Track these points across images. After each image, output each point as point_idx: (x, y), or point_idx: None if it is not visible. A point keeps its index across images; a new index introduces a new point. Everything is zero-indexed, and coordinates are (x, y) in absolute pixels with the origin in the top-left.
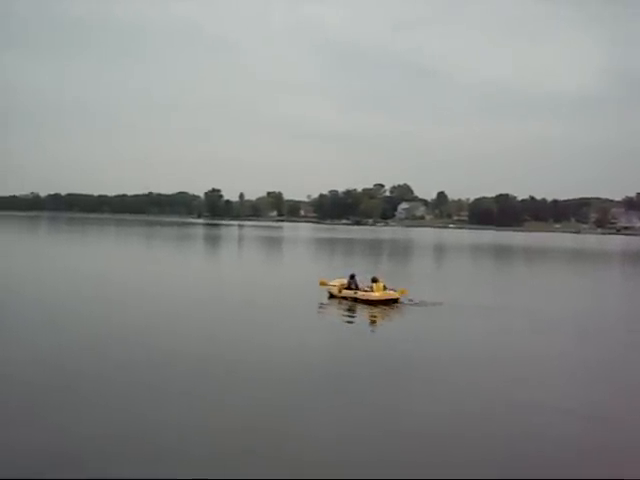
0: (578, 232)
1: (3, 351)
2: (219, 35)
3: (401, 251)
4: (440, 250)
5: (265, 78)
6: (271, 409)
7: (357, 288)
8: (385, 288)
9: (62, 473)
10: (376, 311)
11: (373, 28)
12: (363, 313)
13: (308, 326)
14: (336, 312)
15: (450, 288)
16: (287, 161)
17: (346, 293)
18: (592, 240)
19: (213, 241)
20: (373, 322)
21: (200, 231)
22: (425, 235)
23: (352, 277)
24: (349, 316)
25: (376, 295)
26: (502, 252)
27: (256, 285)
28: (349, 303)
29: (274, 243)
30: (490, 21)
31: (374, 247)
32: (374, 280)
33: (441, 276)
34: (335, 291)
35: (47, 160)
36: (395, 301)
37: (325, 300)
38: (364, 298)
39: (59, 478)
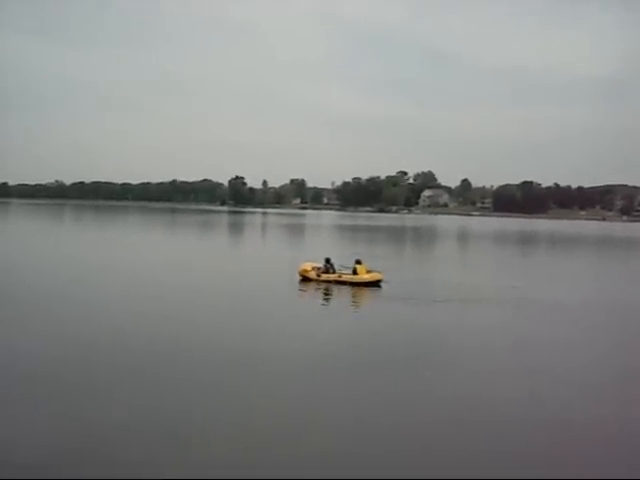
0: (603, 219)
1: (20, 340)
2: (241, 21)
3: (427, 239)
4: (466, 238)
5: (289, 64)
6: (287, 398)
7: (334, 271)
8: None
9: (76, 468)
10: (374, 295)
11: (396, 12)
12: (360, 297)
13: (316, 313)
14: (337, 297)
15: (483, 278)
16: (310, 148)
17: (327, 276)
18: (618, 227)
19: (238, 229)
20: (373, 307)
21: (225, 219)
22: (449, 223)
23: (328, 261)
24: (350, 302)
25: (366, 277)
26: (530, 240)
27: (270, 273)
28: (334, 286)
29: (297, 230)
30: (515, 6)
31: (398, 235)
32: (358, 262)
33: (470, 265)
34: (313, 275)
35: (72, 149)
36: (379, 283)
37: (329, 288)
38: (352, 280)
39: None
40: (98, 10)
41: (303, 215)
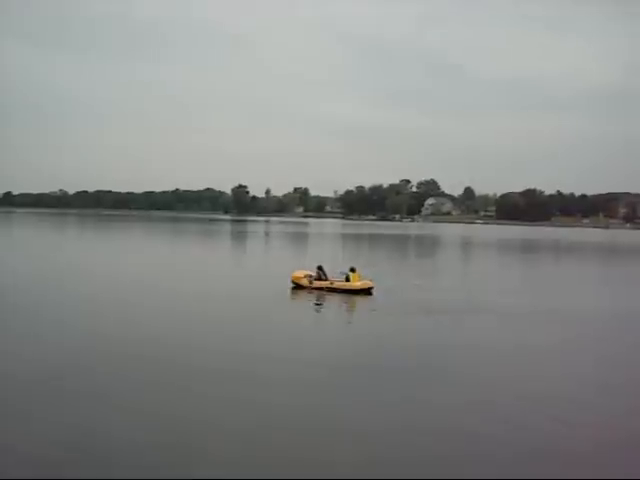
0: (606, 227)
1: (23, 350)
2: (243, 33)
3: (428, 247)
4: (468, 246)
5: (291, 74)
6: (292, 407)
7: (326, 278)
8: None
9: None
10: (365, 302)
11: (397, 23)
12: (351, 304)
13: (316, 320)
14: (329, 305)
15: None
16: (313, 157)
17: (320, 284)
18: (622, 235)
19: (241, 238)
20: (367, 314)
21: (228, 228)
22: (452, 231)
23: (320, 268)
24: (345, 309)
25: (358, 284)
26: (533, 248)
27: (267, 281)
28: (326, 293)
29: (299, 239)
30: (517, 16)
31: (400, 243)
32: (352, 270)
33: (470, 273)
34: (305, 282)
35: (75, 158)
36: (370, 290)
37: (325, 295)
38: (344, 288)
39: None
40: (95, 20)
41: (306, 224)
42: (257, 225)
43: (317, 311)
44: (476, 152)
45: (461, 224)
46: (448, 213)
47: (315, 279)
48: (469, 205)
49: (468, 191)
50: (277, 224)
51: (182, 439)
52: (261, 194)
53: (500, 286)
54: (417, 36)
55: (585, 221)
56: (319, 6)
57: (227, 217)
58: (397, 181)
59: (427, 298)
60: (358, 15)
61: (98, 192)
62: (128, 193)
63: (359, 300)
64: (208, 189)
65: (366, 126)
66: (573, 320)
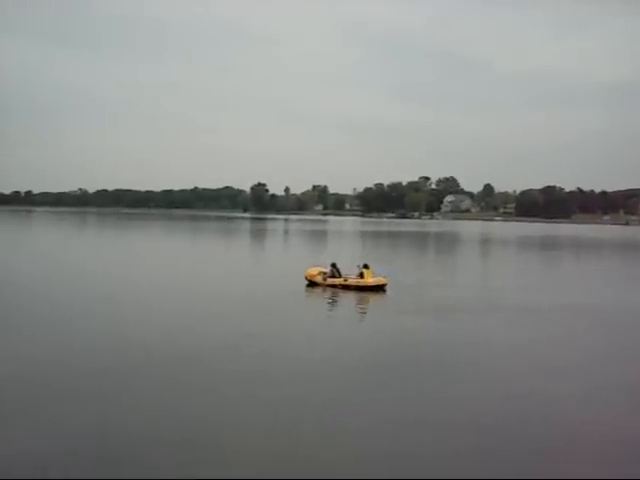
0: (627, 224)
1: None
2: (261, 34)
3: (446, 245)
4: (487, 244)
5: (308, 72)
6: (307, 404)
7: (340, 275)
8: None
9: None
10: (379, 299)
11: (414, 19)
12: (365, 301)
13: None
14: (343, 302)
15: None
16: (332, 155)
17: (333, 281)
18: None
19: (261, 236)
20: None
21: (247, 225)
22: (471, 228)
23: (333, 265)
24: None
25: (371, 281)
26: (553, 246)
27: (285, 278)
28: (340, 290)
29: (319, 237)
30: (531, 12)
31: (419, 241)
32: (365, 266)
33: (488, 271)
34: (319, 279)
35: (94, 157)
36: (384, 287)
37: (339, 292)
38: (358, 285)
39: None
40: (118, 23)
41: (325, 221)
42: (276, 223)
43: (331, 309)
44: (495, 149)
45: (480, 221)
46: (467, 210)
47: (329, 276)
48: (488, 202)
49: (487, 188)
50: (296, 222)
51: (201, 438)
52: (280, 192)
53: (518, 283)
54: (433, 32)
55: (605, 218)
56: (340, 5)
57: (246, 215)
58: (416, 178)
59: (441, 295)
60: (373, 12)
61: (117, 191)
62: (147, 192)
63: (372, 297)
64: (227, 187)
65: (384, 123)
66: (591, 316)
